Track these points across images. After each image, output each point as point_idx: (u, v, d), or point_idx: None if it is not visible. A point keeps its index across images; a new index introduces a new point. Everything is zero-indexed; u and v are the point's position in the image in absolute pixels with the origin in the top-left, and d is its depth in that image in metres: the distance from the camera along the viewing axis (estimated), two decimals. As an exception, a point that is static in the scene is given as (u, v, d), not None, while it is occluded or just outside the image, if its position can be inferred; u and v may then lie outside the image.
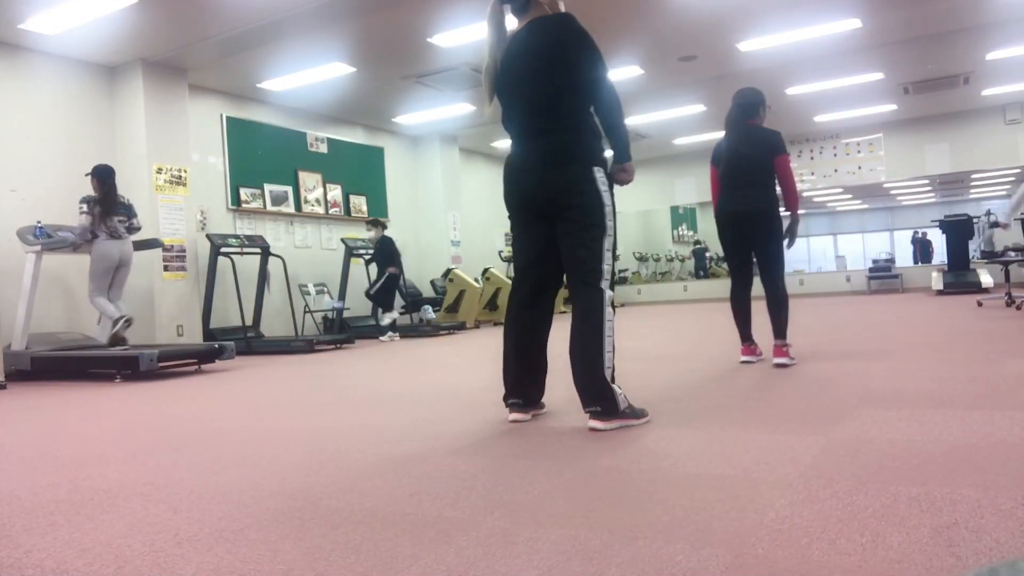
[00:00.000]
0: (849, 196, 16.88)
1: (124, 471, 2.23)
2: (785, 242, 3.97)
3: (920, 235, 15.66)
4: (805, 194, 13.84)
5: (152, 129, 6.92)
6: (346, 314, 8.96)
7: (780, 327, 3.82)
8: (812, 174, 13.00)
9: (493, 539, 1.42)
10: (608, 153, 2.61)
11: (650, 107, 10.02)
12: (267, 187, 8.70)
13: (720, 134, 4.12)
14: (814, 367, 3.66)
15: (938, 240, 12.96)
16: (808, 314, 7.83)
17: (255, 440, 2.63)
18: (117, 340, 5.56)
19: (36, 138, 6.47)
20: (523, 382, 2.67)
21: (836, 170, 12.83)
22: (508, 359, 2.67)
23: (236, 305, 7.47)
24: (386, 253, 8.42)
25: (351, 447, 2.39)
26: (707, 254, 15.31)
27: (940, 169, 12.21)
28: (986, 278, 10.58)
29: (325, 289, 8.84)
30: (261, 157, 8.67)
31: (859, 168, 12.65)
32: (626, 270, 15.15)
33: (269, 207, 8.68)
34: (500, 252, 12.36)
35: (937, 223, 11.33)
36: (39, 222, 5.86)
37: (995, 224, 10.35)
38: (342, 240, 9.13)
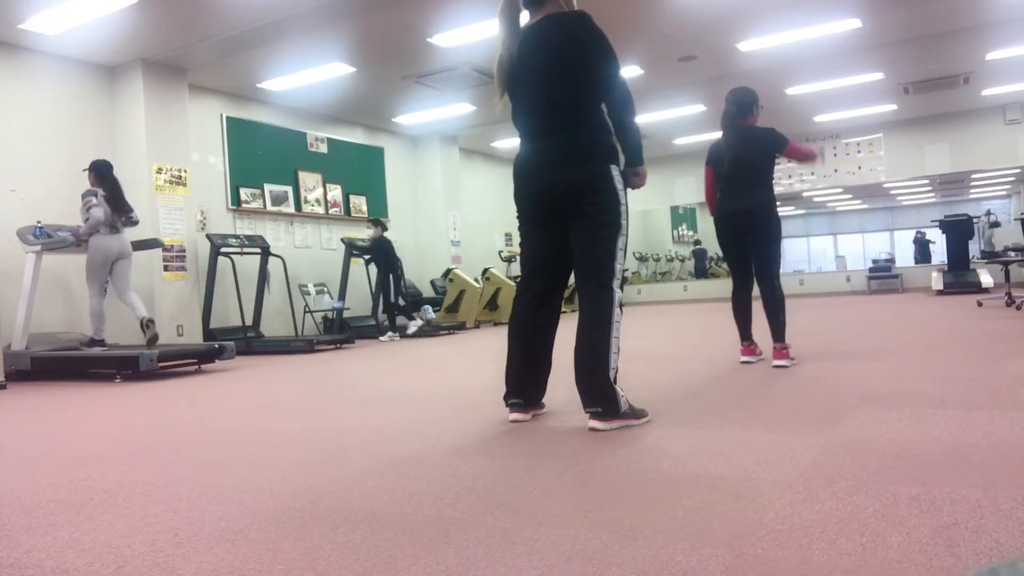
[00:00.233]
0: (849, 196, 16.89)
1: (124, 471, 2.23)
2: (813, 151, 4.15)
3: (920, 235, 15.67)
4: (805, 194, 13.85)
5: (152, 129, 6.92)
6: (346, 314, 8.96)
7: (779, 330, 3.81)
8: (812, 174, 13.00)
9: (493, 539, 1.42)
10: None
11: (650, 107, 10.02)
12: (267, 187, 8.70)
13: (719, 134, 4.13)
14: (814, 367, 3.66)
15: (938, 240, 12.97)
16: (808, 314, 7.83)
17: (255, 440, 2.63)
18: (151, 341, 5.54)
19: (36, 138, 6.47)
20: (526, 382, 2.66)
21: (836, 170, 12.83)
22: (512, 361, 2.65)
23: (236, 305, 7.47)
24: (381, 254, 8.40)
25: (351, 447, 2.39)
26: (707, 254, 15.31)
27: (940, 169, 12.21)
28: (986, 278, 10.58)
29: (325, 289, 8.84)
30: (261, 157, 8.67)
31: (859, 168, 12.65)
32: (626, 270, 15.12)
33: (269, 207, 8.68)
34: (500, 252, 12.36)
35: (937, 223, 11.33)
36: (39, 222, 5.86)
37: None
38: (342, 240, 9.13)
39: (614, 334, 2.43)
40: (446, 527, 1.51)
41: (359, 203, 9.95)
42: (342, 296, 8.83)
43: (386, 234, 8.58)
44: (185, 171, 7.20)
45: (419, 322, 8.53)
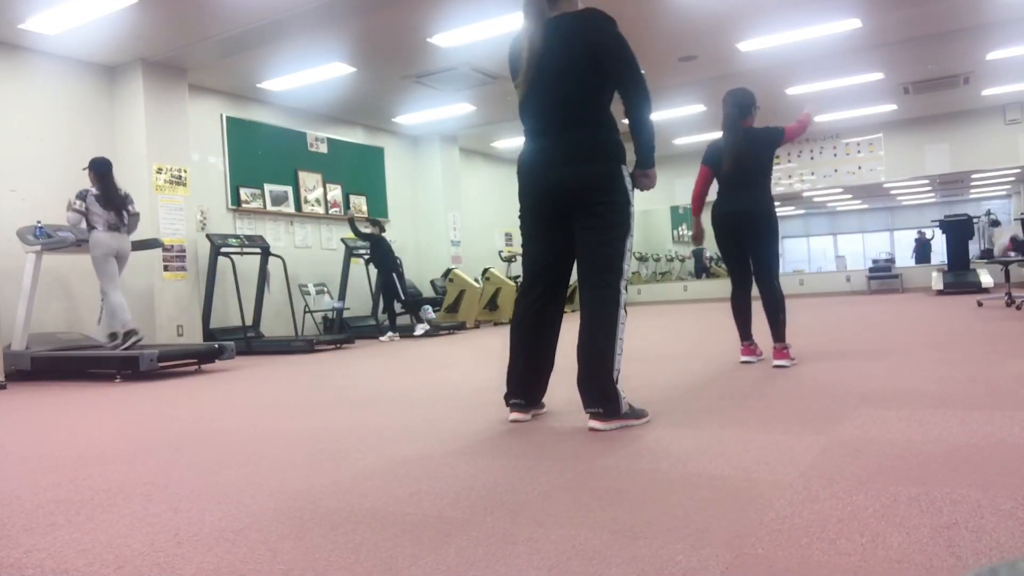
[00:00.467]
0: (849, 196, 16.88)
1: (124, 471, 2.23)
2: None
3: (920, 235, 15.68)
4: (805, 194, 13.84)
5: (152, 129, 6.92)
6: (346, 314, 8.96)
7: (779, 330, 3.82)
8: (812, 174, 13.00)
9: (493, 539, 1.42)
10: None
11: (650, 107, 10.00)
12: (267, 187, 8.70)
13: (719, 134, 4.14)
14: (814, 367, 3.66)
15: (937, 240, 12.98)
16: (808, 314, 7.83)
17: (255, 440, 2.63)
18: (123, 340, 5.54)
19: (36, 138, 6.47)
20: (528, 383, 2.65)
21: (836, 170, 12.83)
22: (516, 363, 2.63)
23: (236, 305, 7.47)
24: (378, 254, 8.38)
25: (351, 447, 2.39)
26: (707, 254, 15.31)
27: (940, 169, 12.20)
28: (986, 278, 10.58)
29: (325, 289, 8.84)
30: (261, 157, 8.67)
31: (859, 168, 12.65)
32: (628, 270, 15.14)
33: (269, 207, 8.68)
34: (500, 252, 12.35)
35: (937, 223, 11.33)
36: (39, 222, 5.86)
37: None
38: (342, 240, 9.14)
39: (619, 335, 2.42)
40: (446, 527, 1.51)
41: (359, 203, 9.95)
42: (342, 296, 8.83)
43: (384, 235, 8.57)
44: (185, 171, 7.20)
45: (426, 325, 8.52)
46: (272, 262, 7.71)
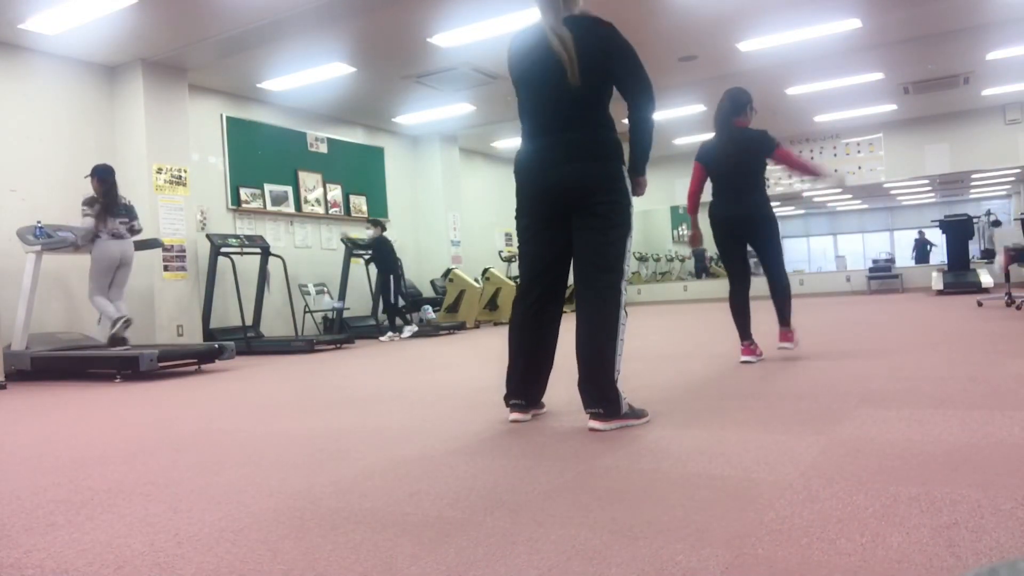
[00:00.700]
0: (849, 196, 16.89)
1: (124, 471, 2.23)
2: (836, 174, 4.49)
3: (920, 235, 15.68)
4: (805, 194, 13.85)
5: (152, 129, 6.92)
6: (346, 314, 8.96)
7: (785, 315, 4.05)
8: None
9: (493, 539, 1.42)
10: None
11: (650, 107, 10.01)
12: (267, 187, 8.70)
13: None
14: (814, 367, 3.66)
15: (937, 240, 12.97)
16: (808, 314, 7.83)
17: (255, 440, 2.63)
18: (117, 340, 5.55)
19: (36, 138, 6.47)
20: (528, 383, 2.65)
21: (836, 170, 12.83)
22: (516, 365, 2.62)
23: (236, 305, 7.47)
24: (380, 254, 8.39)
25: (351, 447, 2.39)
26: (707, 255, 15.31)
27: (940, 169, 12.20)
28: (986, 278, 10.58)
29: (325, 289, 8.84)
30: (261, 157, 8.67)
31: (859, 168, 12.66)
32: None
33: (269, 207, 8.68)
34: (500, 252, 12.36)
35: (937, 223, 11.33)
36: (39, 222, 5.86)
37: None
38: (342, 240, 9.13)
39: (620, 336, 2.42)
40: (446, 527, 1.51)
41: (359, 203, 9.95)
42: (342, 296, 8.83)
43: (385, 234, 8.58)
44: (185, 171, 7.20)
45: (415, 327, 8.52)
46: (272, 262, 7.71)
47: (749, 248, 4.10)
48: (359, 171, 10.04)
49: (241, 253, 7.56)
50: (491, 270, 10.30)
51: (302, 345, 7.01)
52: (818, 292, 12.98)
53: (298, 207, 9.05)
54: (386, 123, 10.30)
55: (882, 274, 12.64)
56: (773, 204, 4.10)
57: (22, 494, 2.01)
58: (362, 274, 9.42)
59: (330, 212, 9.48)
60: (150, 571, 1.36)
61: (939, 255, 13.25)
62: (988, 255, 11.01)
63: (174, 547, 1.49)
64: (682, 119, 10.84)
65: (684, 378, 3.55)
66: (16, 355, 5.54)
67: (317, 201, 9.32)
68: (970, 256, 11.11)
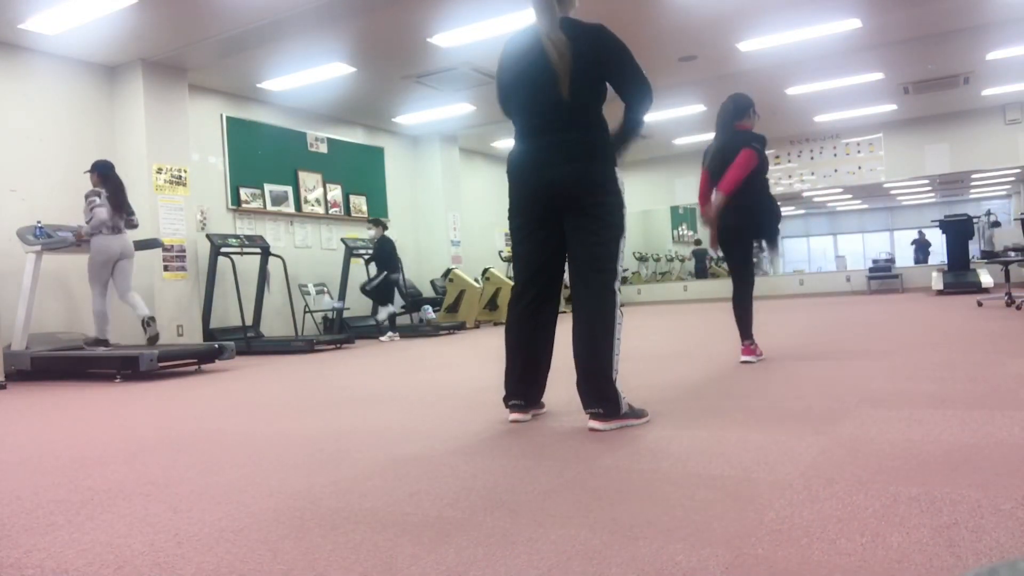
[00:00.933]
0: (849, 196, 16.89)
1: (124, 471, 2.23)
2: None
3: (920, 235, 15.68)
4: (805, 194, 13.84)
5: (152, 129, 6.92)
6: (346, 314, 8.96)
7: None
8: (812, 174, 13.00)
9: (493, 539, 1.42)
10: None
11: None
12: (267, 187, 8.70)
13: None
14: (814, 367, 3.66)
15: (937, 241, 12.97)
16: (808, 314, 7.82)
17: (255, 440, 2.63)
18: (153, 339, 5.57)
19: (36, 138, 6.47)
20: (527, 384, 2.65)
21: (836, 170, 12.83)
22: (514, 366, 2.62)
23: (236, 305, 7.47)
24: (383, 254, 8.40)
25: (351, 447, 2.39)
26: (707, 254, 15.31)
27: (940, 169, 12.20)
28: (986, 278, 10.58)
29: (325, 289, 8.84)
30: (261, 157, 8.67)
31: (859, 168, 12.65)
32: (626, 270, 15.16)
33: (269, 207, 8.68)
34: (500, 252, 12.35)
35: (937, 223, 11.33)
36: (39, 222, 5.86)
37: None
38: (342, 240, 9.13)
39: (617, 336, 2.42)
40: (446, 527, 1.51)
41: (359, 203, 9.95)
42: (342, 296, 8.83)
43: (387, 233, 8.58)
44: (185, 171, 7.20)
45: (391, 308, 8.46)
46: (272, 262, 7.71)
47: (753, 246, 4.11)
48: (359, 171, 10.04)
49: (241, 253, 7.56)
50: (491, 270, 10.30)
51: (302, 345, 7.01)
52: (818, 292, 12.98)
53: (298, 207, 9.05)
54: (386, 123, 10.30)
55: (882, 274, 12.64)
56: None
57: (22, 494, 2.01)
58: (362, 274, 9.41)
59: (330, 212, 9.47)
60: (150, 571, 1.36)
61: (939, 255, 13.25)
62: (988, 255, 11.01)
63: (174, 547, 1.49)
64: (682, 119, 10.83)
65: (684, 378, 3.55)
66: (16, 355, 5.54)
67: (317, 201, 9.32)
68: (970, 256, 11.11)
